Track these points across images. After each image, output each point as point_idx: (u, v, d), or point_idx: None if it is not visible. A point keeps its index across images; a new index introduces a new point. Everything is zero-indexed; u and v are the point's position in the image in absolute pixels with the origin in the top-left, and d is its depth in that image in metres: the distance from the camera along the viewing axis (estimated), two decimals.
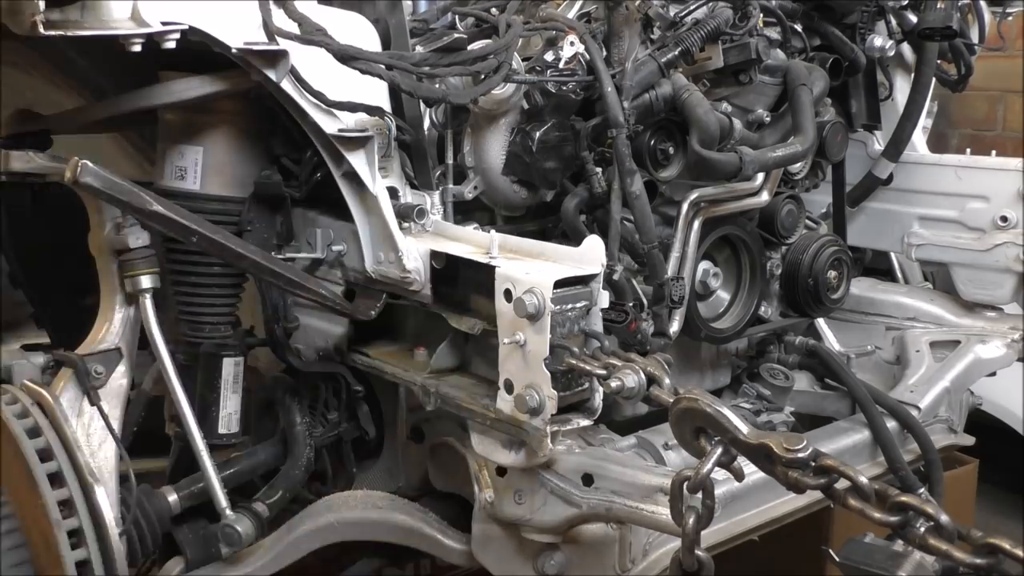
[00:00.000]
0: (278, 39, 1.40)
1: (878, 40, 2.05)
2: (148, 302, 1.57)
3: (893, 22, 2.09)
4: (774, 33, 1.87)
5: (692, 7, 1.76)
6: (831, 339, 2.20)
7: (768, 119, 1.88)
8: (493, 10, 1.81)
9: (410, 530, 1.69)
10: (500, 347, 1.37)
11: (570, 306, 1.34)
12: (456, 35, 1.61)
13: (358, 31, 1.54)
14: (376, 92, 1.55)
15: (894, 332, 2.17)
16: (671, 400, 1.17)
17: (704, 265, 1.86)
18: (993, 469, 2.82)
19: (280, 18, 1.42)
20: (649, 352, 1.66)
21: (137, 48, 1.29)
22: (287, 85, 1.43)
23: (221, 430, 1.66)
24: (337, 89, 1.46)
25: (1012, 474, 3.23)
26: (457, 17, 1.81)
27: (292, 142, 1.63)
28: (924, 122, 2.25)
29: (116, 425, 1.54)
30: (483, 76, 1.57)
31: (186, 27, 1.32)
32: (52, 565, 1.41)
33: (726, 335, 1.92)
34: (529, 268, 1.36)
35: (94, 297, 1.63)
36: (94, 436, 1.51)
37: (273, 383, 1.86)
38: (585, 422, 1.40)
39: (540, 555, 1.57)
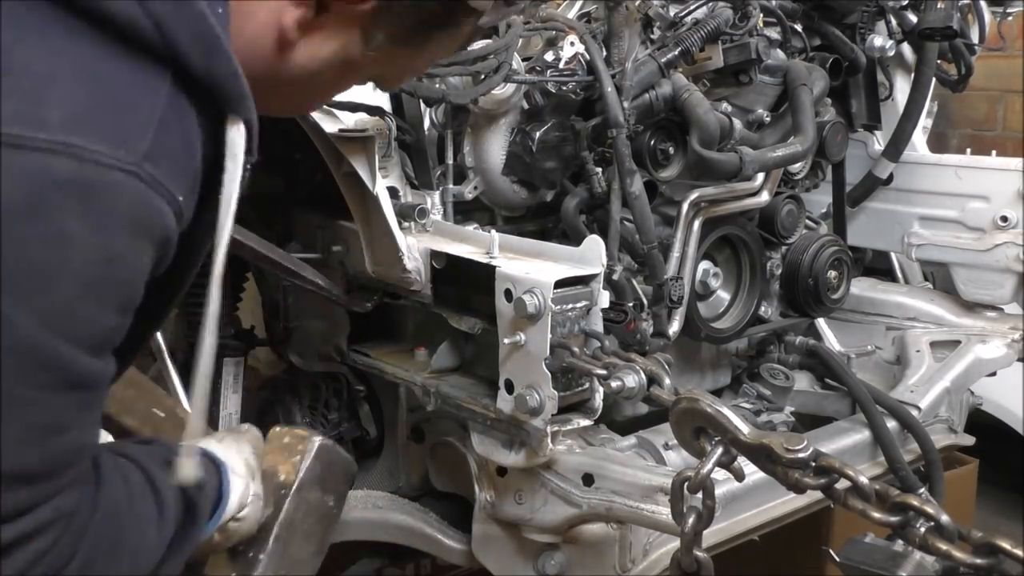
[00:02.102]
0: None
1: (878, 40, 2.05)
2: None
3: (893, 22, 2.08)
4: (774, 33, 1.87)
5: (692, 7, 1.76)
6: (831, 339, 2.19)
7: (768, 119, 1.87)
8: None
9: (410, 530, 1.69)
10: (500, 347, 1.37)
11: (570, 306, 1.34)
12: None
13: None
14: (376, 92, 1.55)
15: (894, 332, 2.17)
16: (671, 400, 1.17)
17: (704, 265, 1.86)
18: (993, 469, 2.82)
19: None
20: (649, 352, 1.66)
21: None
22: None
23: None
24: None
25: (1012, 474, 3.23)
26: None
27: (292, 142, 1.63)
28: (924, 122, 2.25)
29: None
30: (483, 76, 1.57)
31: None
32: None
33: (726, 335, 1.92)
34: (529, 268, 1.36)
35: None
36: None
37: (273, 383, 1.86)
38: (585, 422, 1.40)
39: (540, 555, 1.57)
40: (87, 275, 0.77)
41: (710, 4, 1.77)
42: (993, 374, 2.09)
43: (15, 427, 0.76)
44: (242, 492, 1.13)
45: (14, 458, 0.77)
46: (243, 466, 1.15)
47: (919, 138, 2.24)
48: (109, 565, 0.87)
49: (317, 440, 1.24)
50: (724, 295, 1.95)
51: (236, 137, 0.89)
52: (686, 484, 1.09)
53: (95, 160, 0.76)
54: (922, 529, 0.96)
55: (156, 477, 0.95)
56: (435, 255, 1.54)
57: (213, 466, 1.10)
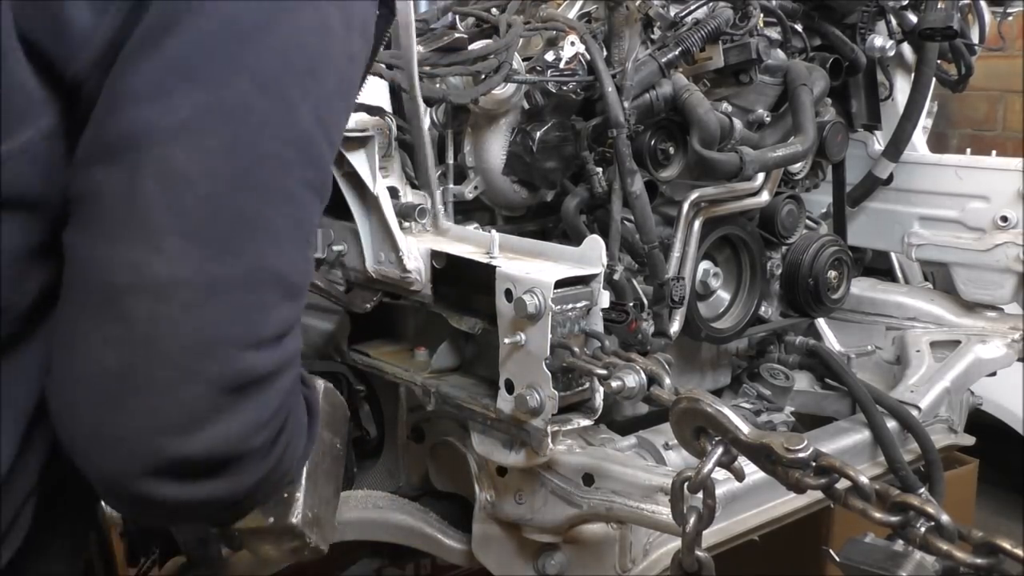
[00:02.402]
0: None
1: (878, 40, 2.05)
2: None
3: (893, 22, 2.08)
4: (774, 33, 1.87)
5: (692, 7, 1.76)
6: (831, 339, 2.20)
7: (768, 119, 1.88)
8: (493, 10, 1.82)
9: (410, 530, 1.70)
10: (500, 347, 1.37)
11: (571, 306, 1.34)
12: (456, 35, 1.61)
13: None
14: (376, 92, 1.55)
15: (894, 332, 2.17)
16: (672, 400, 1.17)
17: (704, 265, 1.86)
18: (993, 469, 2.82)
19: None
20: (649, 352, 1.66)
21: None
22: None
23: None
24: None
25: (1012, 474, 3.23)
26: (457, 17, 1.81)
27: None
28: (924, 122, 2.25)
29: None
30: (483, 76, 1.57)
31: None
32: None
33: (726, 335, 1.92)
34: (529, 268, 1.36)
35: None
36: None
37: None
38: (586, 422, 1.40)
39: (540, 555, 1.57)
40: (340, 70, 0.81)
41: (710, 4, 1.77)
42: (993, 374, 2.09)
43: (291, 226, 0.78)
44: None
45: (289, 261, 0.78)
46: None
47: (919, 138, 2.24)
48: (297, 442, 0.87)
49: (322, 383, 1.26)
50: (724, 295, 1.95)
51: None
52: (686, 484, 1.09)
53: None
54: (922, 529, 0.95)
55: None
56: (435, 255, 1.54)
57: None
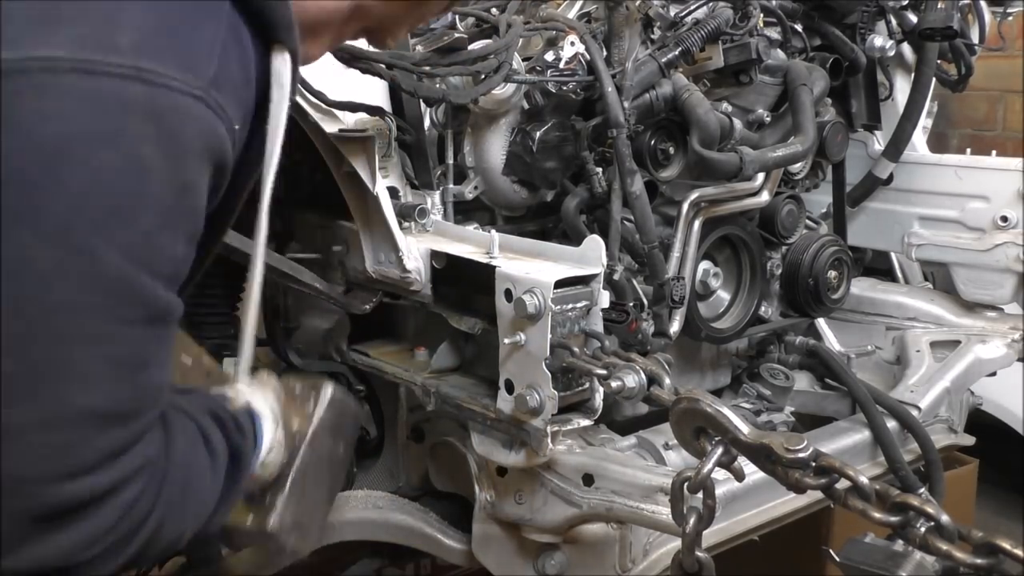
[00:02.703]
0: None
1: (878, 40, 2.05)
2: None
3: (893, 22, 2.08)
4: (774, 33, 1.87)
5: (692, 7, 1.76)
6: (831, 339, 2.20)
7: (768, 119, 1.88)
8: (493, 10, 1.81)
9: (410, 530, 1.70)
10: (500, 347, 1.37)
11: (570, 306, 1.34)
12: (456, 35, 1.61)
13: None
14: (376, 92, 1.55)
15: (894, 332, 2.17)
16: (671, 400, 1.17)
17: (704, 265, 1.86)
18: (993, 469, 2.82)
19: None
20: (649, 352, 1.66)
21: None
22: None
23: None
24: (337, 89, 1.46)
25: (1012, 474, 3.23)
26: (457, 17, 1.81)
27: (291, 142, 1.63)
28: (924, 122, 2.25)
29: None
30: (483, 76, 1.57)
31: None
32: None
33: (726, 335, 1.92)
34: (529, 268, 1.36)
35: None
36: None
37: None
38: (585, 422, 1.40)
39: (540, 555, 1.57)
40: (164, 204, 0.76)
41: (710, 4, 1.77)
42: (993, 374, 2.09)
43: (102, 365, 0.75)
44: (271, 439, 1.13)
45: (105, 395, 0.75)
46: (269, 412, 1.15)
47: (919, 138, 2.24)
48: (178, 518, 0.86)
49: (329, 388, 1.25)
50: (724, 295, 1.95)
51: (282, 66, 0.88)
52: (686, 484, 1.09)
53: (166, 84, 0.75)
54: (922, 529, 0.96)
55: (205, 426, 0.94)
56: (435, 255, 1.54)
57: (247, 413, 1.08)
